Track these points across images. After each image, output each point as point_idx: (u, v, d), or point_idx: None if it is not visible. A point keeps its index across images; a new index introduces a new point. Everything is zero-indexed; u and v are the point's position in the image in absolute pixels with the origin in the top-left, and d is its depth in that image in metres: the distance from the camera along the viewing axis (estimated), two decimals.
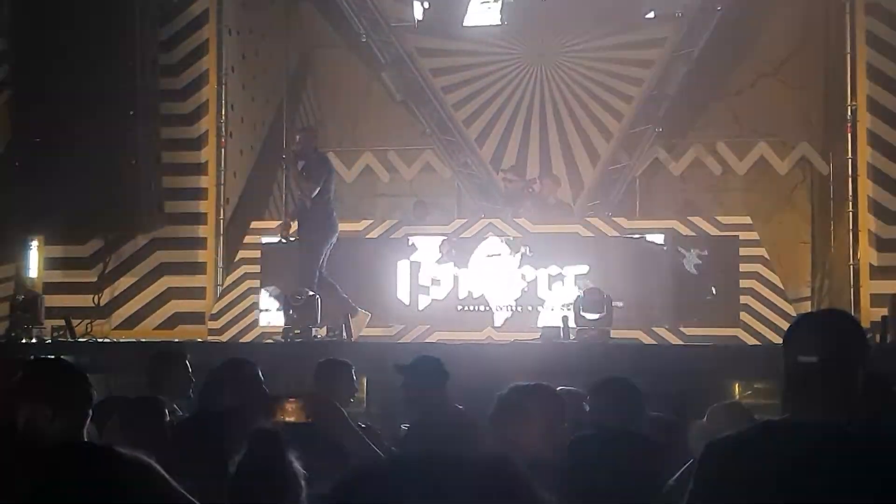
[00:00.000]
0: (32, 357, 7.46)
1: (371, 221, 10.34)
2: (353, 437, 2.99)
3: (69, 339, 8.62)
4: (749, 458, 2.38)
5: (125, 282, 10.33)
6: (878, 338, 7.94)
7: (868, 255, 9.76)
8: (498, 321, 9.71)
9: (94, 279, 10.28)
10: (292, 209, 9.43)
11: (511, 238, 9.80)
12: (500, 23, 11.67)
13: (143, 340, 9.10)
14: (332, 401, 3.09)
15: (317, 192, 8.60)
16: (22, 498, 1.89)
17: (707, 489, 2.42)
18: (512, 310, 9.76)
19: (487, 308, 9.78)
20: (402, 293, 9.89)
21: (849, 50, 10.08)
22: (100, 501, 2.43)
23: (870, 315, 9.24)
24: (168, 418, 4.30)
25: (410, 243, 9.90)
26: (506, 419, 3.45)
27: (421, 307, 9.89)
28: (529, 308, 9.72)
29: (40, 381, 3.08)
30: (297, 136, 9.35)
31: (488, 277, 9.82)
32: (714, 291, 9.55)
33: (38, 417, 2.95)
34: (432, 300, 9.88)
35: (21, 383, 3.12)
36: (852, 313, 9.58)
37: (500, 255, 9.79)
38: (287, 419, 2.95)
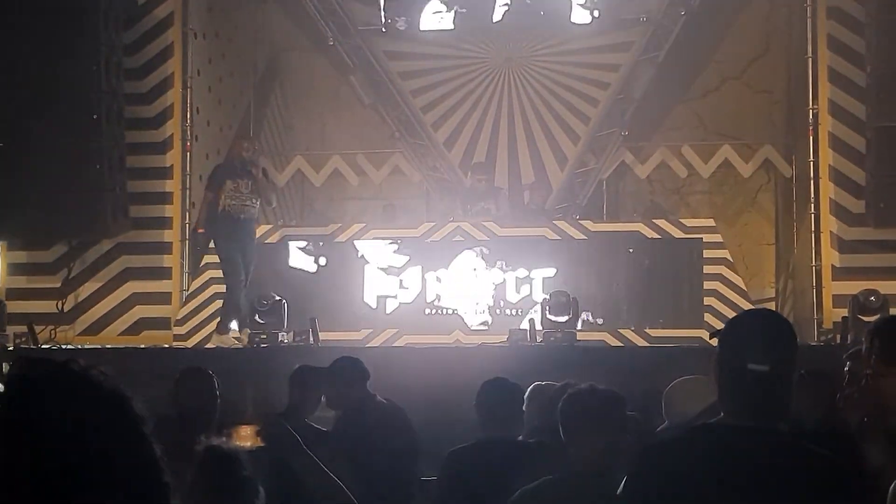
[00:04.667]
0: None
1: (339, 225, 10.33)
2: (303, 459, 3.02)
3: (32, 346, 8.53)
4: (684, 463, 2.37)
5: (89, 287, 10.25)
6: (838, 338, 8.05)
7: (830, 257, 9.86)
8: (465, 325, 9.73)
9: (58, 285, 10.19)
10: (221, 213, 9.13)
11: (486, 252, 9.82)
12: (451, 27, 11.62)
13: (108, 347, 9.03)
14: (284, 424, 3.11)
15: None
16: None
17: (643, 494, 2.42)
18: (480, 313, 9.78)
19: (455, 312, 9.80)
20: (370, 297, 9.89)
21: (810, 54, 10.17)
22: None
23: (832, 315, 9.35)
24: None
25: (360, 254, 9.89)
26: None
27: (388, 311, 9.89)
28: (497, 311, 9.75)
29: None
30: (246, 144, 9.37)
31: (456, 281, 9.84)
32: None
33: None
34: (400, 304, 9.89)
35: None
36: (815, 314, 9.71)
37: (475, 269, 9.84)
38: (240, 444, 2.97)
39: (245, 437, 3.07)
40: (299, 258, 9.93)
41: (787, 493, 2.29)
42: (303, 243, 9.98)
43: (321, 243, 10.00)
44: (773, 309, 11.03)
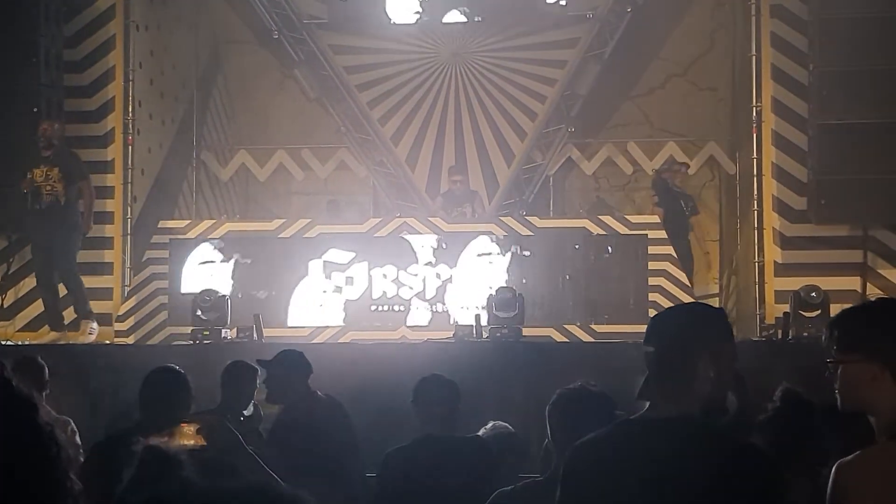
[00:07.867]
0: None
1: (284, 220, 10.24)
2: (245, 459, 2.99)
3: None
4: (607, 458, 2.41)
5: (29, 283, 10.04)
6: (780, 333, 8.14)
7: (772, 253, 9.97)
8: (411, 320, 9.70)
9: None
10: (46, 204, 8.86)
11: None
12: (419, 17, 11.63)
13: (49, 343, 8.86)
14: (225, 423, 3.07)
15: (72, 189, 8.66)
16: None
17: (574, 493, 2.44)
18: (426, 309, 9.76)
19: (401, 308, 9.76)
20: (316, 293, 9.81)
21: (754, 52, 10.27)
22: None
23: (774, 311, 9.46)
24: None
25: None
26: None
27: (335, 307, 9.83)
28: (443, 306, 9.74)
29: None
30: (46, 126, 8.96)
31: (402, 277, 9.80)
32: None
33: None
34: (346, 300, 9.83)
35: None
36: (757, 310, 9.82)
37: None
38: (181, 443, 2.92)
39: (185, 436, 3.01)
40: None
41: (700, 479, 2.32)
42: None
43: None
44: (717, 305, 11.16)
